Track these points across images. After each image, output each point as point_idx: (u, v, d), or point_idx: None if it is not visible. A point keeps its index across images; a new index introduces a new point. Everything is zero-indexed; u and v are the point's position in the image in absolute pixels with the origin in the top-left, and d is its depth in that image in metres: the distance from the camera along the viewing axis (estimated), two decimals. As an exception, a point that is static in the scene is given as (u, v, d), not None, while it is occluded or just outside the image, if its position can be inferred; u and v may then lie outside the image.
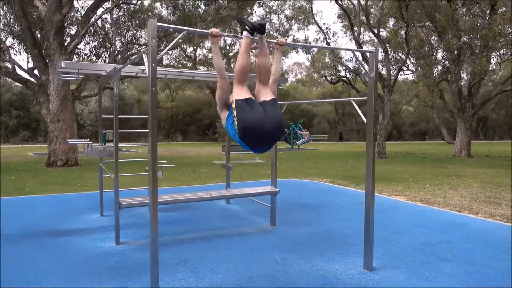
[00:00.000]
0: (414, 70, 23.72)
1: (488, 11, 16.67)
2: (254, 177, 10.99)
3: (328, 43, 20.33)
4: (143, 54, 3.03)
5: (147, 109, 2.81)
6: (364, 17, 17.60)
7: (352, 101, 4.12)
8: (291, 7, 34.12)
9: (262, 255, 4.26)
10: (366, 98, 3.84)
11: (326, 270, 3.83)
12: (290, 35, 35.69)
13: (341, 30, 23.71)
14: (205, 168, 13.32)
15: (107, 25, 18.84)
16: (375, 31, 17.28)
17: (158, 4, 20.92)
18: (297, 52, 36.23)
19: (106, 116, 6.23)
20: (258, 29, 2.99)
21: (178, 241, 4.68)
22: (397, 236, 5.04)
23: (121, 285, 3.44)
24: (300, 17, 33.73)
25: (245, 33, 2.97)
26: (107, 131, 7.20)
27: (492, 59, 16.63)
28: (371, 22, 17.59)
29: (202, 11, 16.73)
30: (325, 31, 21.61)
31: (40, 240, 4.78)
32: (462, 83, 19.13)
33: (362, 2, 17.92)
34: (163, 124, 43.42)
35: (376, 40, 17.56)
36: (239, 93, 2.92)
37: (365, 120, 3.84)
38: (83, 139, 5.60)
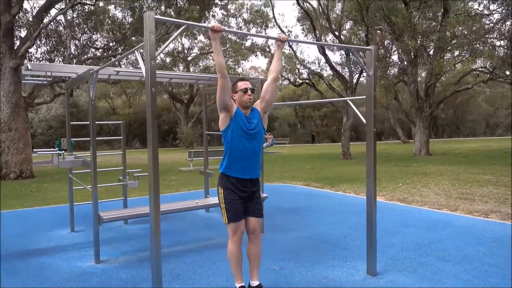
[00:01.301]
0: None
1: (440, 15, 17.39)
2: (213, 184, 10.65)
3: (290, 46, 20.45)
4: (136, 52, 2.72)
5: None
6: (325, 20, 17.84)
7: (348, 101, 3.99)
8: (249, 11, 34.17)
9: (258, 266, 4.02)
10: (364, 97, 3.72)
11: (330, 279, 3.65)
12: (249, 39, 35.70)
13: (302, 32, 23.84)
14: (173, 176, 12.86)
15: (61, 28, 17.82)
16: (336, 34, 17.55)
17: (111, 7, 20.12)
18: (256, 55, 36.17)
19: (76, 123, 5.74)
20: None
21: (165, 256, 4.34)
22: (388, 237, 4.97)
23: (113, 310, 3.08)
24: (258, 20, 33.83)
25: None
26: (63, 139, 6.67)
27: (447, 60, 17.34)
28: (333, 26, 17.85)
29: (162, 12, 16.18)
30: (287, 33, 21.69)
31: (10, 263, 4.25)
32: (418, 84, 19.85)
33: (322, 2, 18.15)
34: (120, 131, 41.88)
35: (337, 42, 17.82)
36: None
37: (364, 120, 3.72)
38: (51, 149, 5.09)
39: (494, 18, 18.54)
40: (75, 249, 4.71)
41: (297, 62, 21.45)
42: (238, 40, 33.04)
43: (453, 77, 22.78)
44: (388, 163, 15.64)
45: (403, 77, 21.40)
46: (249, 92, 3.03)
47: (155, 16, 2.43)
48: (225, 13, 30.15)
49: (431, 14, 18.19)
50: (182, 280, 3.66)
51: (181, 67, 36.93)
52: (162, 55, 34.03)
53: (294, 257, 4.27)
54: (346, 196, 8.20)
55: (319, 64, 23.62)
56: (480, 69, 19.49)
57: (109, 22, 18.61)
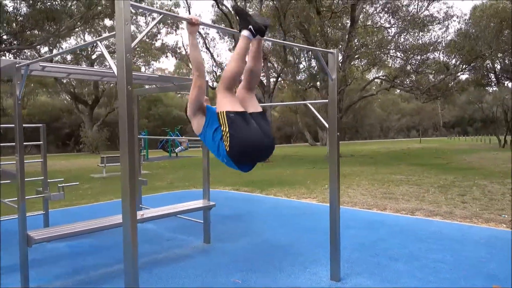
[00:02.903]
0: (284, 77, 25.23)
1: (348, 25, 18.65)
2: (146, 190, 10.04)
3: (207, 48, 20.20)
4: (100, 43, 2.30)
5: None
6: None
7: (308, 104, 3.93)
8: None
9: (218, 280, 3.76)
10: (326, 101, 3.69)
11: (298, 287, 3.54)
12: (159, 39, 34.55)
13: (218, 35, 23.70)
14: (86, 184, 11.73)
15: None
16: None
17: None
18: (166, 56, 35.09)
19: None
20: (263, 31, 2.51)
21: (108, 276, 3.83)
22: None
23: None
24: (169, 21, 32.96)
25: (246, 32, 2.43)
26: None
27: (356, 68, 18.66)
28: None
29: (69, 5, 14.70)
30: (204, 35, 21.42)
31: None
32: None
33: (240, 4, 18.26)
34: (11, 136, 37.42)
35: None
36: (230, 104, 2.41)
37: (326, 125, 3.69)
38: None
39: (392, 32, 20.47)
40: (-9, 277, 3.93)
41: (214, 64, 21.29)
42: (147, 40, 31.73)
43: (358, 84, 24.65)
44: (305, 165, 16.23)
45: (314, 82, 22.51)
46: None
47: (131, 3, 2.07)
48: (133, 10, 28.69)
49: (339, 24, 19.40)
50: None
51: (84, 66, 34.26)
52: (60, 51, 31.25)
53: (251, 267, 4.07)
54: (279, 199, 8.23)
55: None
56: (382, 77, 21.36)
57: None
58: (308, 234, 5.35)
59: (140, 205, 6.06)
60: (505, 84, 30.79)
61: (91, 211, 7.27)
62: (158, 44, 34.50)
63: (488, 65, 28.15)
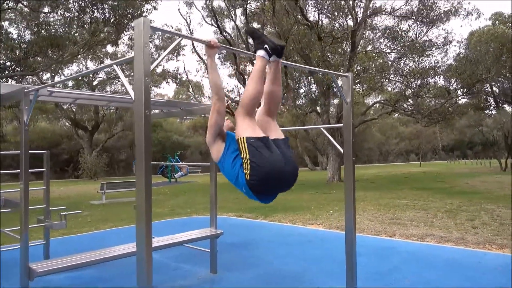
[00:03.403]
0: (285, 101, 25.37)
1: (349, 50, 18.87)
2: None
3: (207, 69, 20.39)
4: (116, 67, 2.21)
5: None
6: (245, 48, 18.18)
7: (322, 129, 3.84)
8: (160, 37, 33.58)
9: (228, 314, 3.56)
10: (340, 125, 3.59)
11: (314, 322, 3.35)
12: (160, 65, 34.94)
13: (220, 61, 23.93)
14: (85, 211, 11.50)
15: None
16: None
17: (5, 23, 17.98)
18: (167, 82, 35.42)
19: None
20: (279, 51, 2.42)
21: (113, 311, 3.63)
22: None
23: None
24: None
25: (261, 52, 2.34)
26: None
27: (357, 92, 18.78)
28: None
29: (73, 32, 14.87)
30: (205, 61, 21.58)
31: None
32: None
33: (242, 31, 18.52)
34: (10, 162, 37.10)
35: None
36: (250, 129, 2.29)
37: (341, 150, 3.58)
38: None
39: (392, 57, 20.70)
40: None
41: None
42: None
43: (357, 108, 24.79)
44: (308, 190, 16.03)
45: (314, 107, 22.59)
46: None
47: (151, 25, 2.00)
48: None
49: (339, 49, 19.63)
50: None
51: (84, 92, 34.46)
52: (62, 77, 31.49)
53: (263, 299, 3.89)
54: (284, 226, 8.03)
55: (238, 93, 23.86)
56: (383, 101, 21.49)
57: (2, 39, 16.56)
58: (318, 263, 5.15)
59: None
60: (504, 108, 31.02)
61: (92, 240, 7.07)
62: (159, 70, 34.94)
63: (487, 89, 28.42)
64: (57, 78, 23.88)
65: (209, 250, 4.86)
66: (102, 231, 7.98)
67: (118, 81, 35.90)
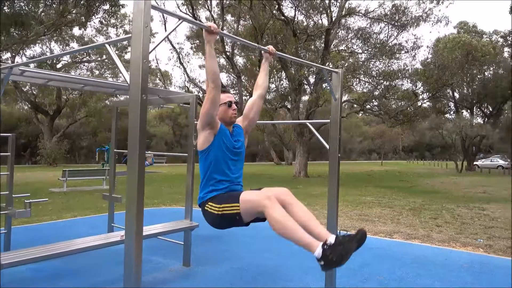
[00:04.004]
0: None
1: (322, 48, 19.06)
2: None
3: (181, 63, 20.00)
4: (109, 47, 2.07)
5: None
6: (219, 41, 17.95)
7: (308, 124, 3.81)
8: (130, 23, 32.62)
9: (206, 308, 3.49)
10: (327, 121, 3.58)
11: (293, 317, 3.34)
12: (128, 52, 34.03)
13: (193, 50, 23.50)
14: (45, 198, 10.99)
15: None
16: (229, 55, 17.80)
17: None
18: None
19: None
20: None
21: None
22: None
23: None
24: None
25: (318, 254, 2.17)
26: None
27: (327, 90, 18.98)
28: (226, 47, 18.07)
29: (39, 11, 14.05)
30: (178, 50, 21.16)
31: None
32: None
33: (217, 23, 18.25)
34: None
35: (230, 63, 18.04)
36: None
37: (326, 145, 3.58)
38: None
39: (363, 57, 21.10)
40: None
41: (187, 80, 21.06)
42: (117, 51, 31.03)
43: (325, 106, 25.11)
44: (276, 185, 16.11)
45: (284, 103, 22.70)
46: (234, 106, 2.62)
47: (153, 3, 1.88)
48: (104, 22, 28.05)
49: (312, 47, 19.79)
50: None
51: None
52: (25, 59, 29.94)
53: (240, 293, 3.84)
54: (255, 219, 8.01)
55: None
56: (352, 100, 21.90)
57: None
58: (293, 258, 5.16)
59: (112, 224, 5.68)
60: (463, 113, 32.49)
61: (56, 229, 6.76)
62: (127, 57, 34.00)
63: (448, 94, 29.61)
64: (17, 59, 22.60)
65: (182, 243, 4.75)
66: (65, 220, 7.66)
67: (84, 65, 34.62)
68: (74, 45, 31.60)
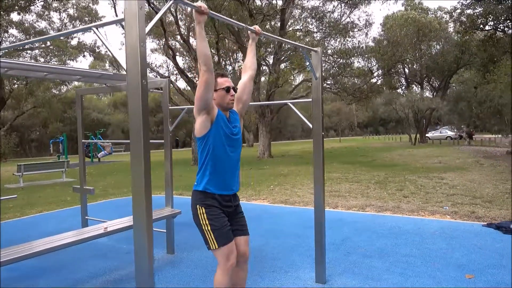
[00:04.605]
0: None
1: (278, 29, 19.03)
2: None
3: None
4: (96, 30, 1.93)
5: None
6: (175, 24, 17.41)
7: (290, 104, 3.81)
8: (75, 6, 30.95)
9: (199, 294, 3.47)
10: (309, 100, 3.60)
11: (288, 295, 3.39)
12: (75, 37, 32.39)
13: (149, 35, 22.59)
14: (2, 195, 10.37)
15: None
16: (185, 38, 17.34)
17: None
18: (84, 56, 32.83)
19: None
20: None
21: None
22: (303, 241, 4.99)
23: None
24: (86, 18, 31.32)
25: None
26: None
27: (287, 70, 19.11)
28: (182, 30, 17.56)
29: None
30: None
31: None
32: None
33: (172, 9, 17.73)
34: None
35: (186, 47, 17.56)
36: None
37: (310, 124, 3.60)
38: None
39: (318, 36, 21.33)
40: None
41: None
42: (62, 37, 29.31)
43: (287, 86, 25.35)
44: (242, 166, 16.13)
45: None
46: (232, 91, 2.55)
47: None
48: (46, 6, 26.25)
49: (268, 27, 19.70)
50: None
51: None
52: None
53: (231, 277, 3.83)
54: (229, 203, 8.01)
55: (167, 68, 22.88)
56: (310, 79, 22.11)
57: None
58: (275, 237, 5.23)
59: (86, 217, 5.47)
60: (413, 87, 33.87)
61: (23, 227, 6.43)
62: (74, 42, 32.29)
63: (399, 70, 30.68)
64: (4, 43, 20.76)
65: (164, 231, 4.67)
66: (31, 216, 7.28)
67: (27, 53, 32.51)
68: (13, 32, 29.51)
